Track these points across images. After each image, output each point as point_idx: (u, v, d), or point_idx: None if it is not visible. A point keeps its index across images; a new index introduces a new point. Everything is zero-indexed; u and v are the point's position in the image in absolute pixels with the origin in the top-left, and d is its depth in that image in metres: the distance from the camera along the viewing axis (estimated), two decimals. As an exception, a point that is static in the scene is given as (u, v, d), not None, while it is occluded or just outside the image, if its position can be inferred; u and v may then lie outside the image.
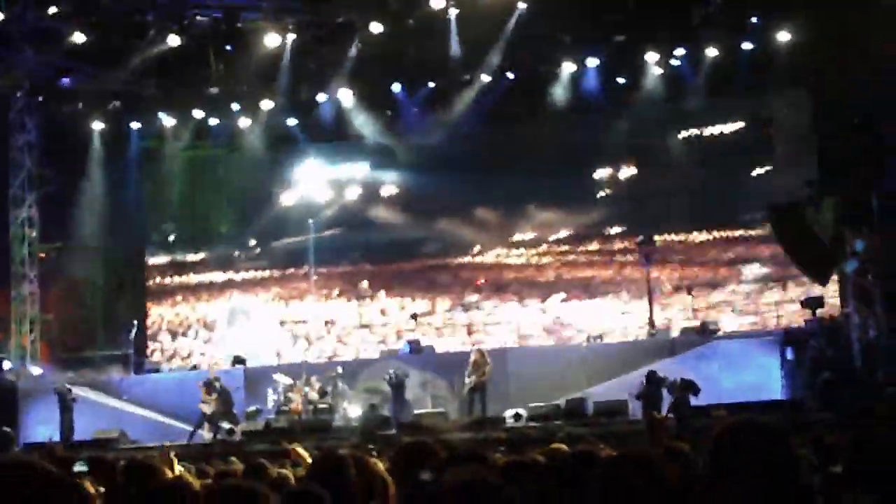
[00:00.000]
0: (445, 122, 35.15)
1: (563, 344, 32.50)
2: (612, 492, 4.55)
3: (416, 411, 28.62)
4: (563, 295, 33.79)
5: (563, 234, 34.26)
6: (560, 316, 33.69)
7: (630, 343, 31.41)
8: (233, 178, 38.20)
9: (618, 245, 33.84)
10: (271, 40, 32.44)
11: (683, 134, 33.67)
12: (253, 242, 37.23)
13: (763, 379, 27.52)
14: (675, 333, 30.77)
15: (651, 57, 33.03)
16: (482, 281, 34.84)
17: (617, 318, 32.94)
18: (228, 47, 33.05)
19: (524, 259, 34.60)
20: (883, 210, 27.11)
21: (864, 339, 27.05)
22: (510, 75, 34.27)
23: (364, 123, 35.48)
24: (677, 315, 32.76)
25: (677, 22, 31.73)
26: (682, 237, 33.38)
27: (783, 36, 31.20)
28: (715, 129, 33.14)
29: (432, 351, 32.48)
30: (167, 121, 36.11)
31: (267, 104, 35.29)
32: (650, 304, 31.56)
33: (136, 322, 34.14)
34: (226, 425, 28.99)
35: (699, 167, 33.23)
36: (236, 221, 38.05)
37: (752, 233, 32.80)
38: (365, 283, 35.82)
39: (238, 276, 37.19)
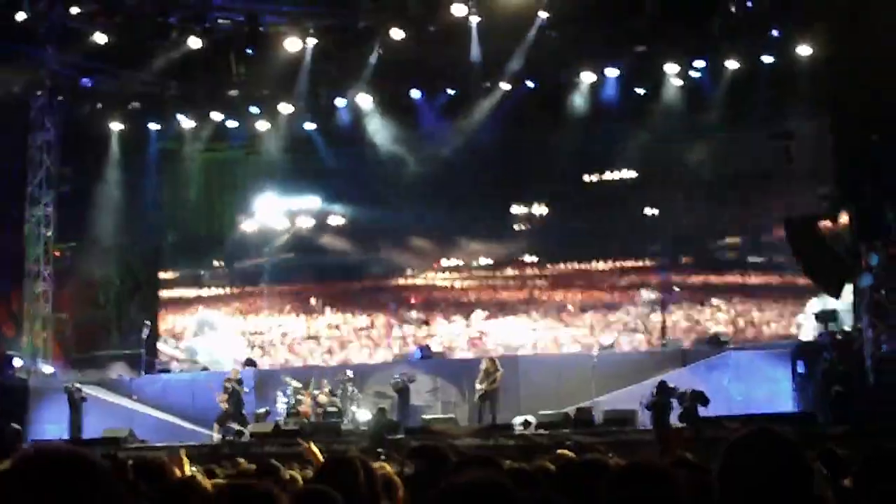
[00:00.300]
0: (463, 129, 35.22)
1: (574, 353, 33.18)
2: (621, 502, 4.54)
3: (425, 416, 28.69)
4: (483, 313, 36.73)
5: (484, 261, 37.59)
6: (481, 331, 36.56)
7: (641, 353, 31.76)
8: (250, 180, 38.40)
9: (529, 272, 37.28)
10: (292, 44, 32.50)
11: (588, 178, 36.27)
12: (217, 263, 39.33)
13: (774, 391, 27.48)
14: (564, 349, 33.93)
15: (671, 68, 32.97)
16: (414, 300, 38.03)
17: (527, 334, 35.95)
18: (249, 50, 33.05)
19: (451, 282, 38.14)
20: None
21: (878, 353, 26.97)
22: (530, 84, 34.33)
23: (379, 129, 35.55)
24: (579, 332, 35.55)
25: (698, 33, 31.70)
26: (584, 266, 36.76)
27: (804, 50, 31.10)
28: (614, 175, 36.03)
29: (443, 357, 32.95)
30: (186, 123, 36.17)
31: (286, 108, 35.34)
32: (663, 318, 31.84)
33: (148, 322, 34.27)
34: (235, 426, 29.10)
35: (602, 206, 35.77)
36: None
37: (644, 263, 35.84)
38: (313, 300, 38.50)
39: (204, 293, 39.28)
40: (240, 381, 30.29)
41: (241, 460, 14.68)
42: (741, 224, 34.70)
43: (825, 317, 29.01)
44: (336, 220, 38.12)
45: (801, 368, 27.40)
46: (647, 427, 24.83)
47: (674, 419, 24.06)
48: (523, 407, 28.27)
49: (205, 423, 30.18)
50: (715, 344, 30.04)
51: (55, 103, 34.74)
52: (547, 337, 35.61)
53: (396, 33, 31.87)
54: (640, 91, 33.84)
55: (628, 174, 35.67)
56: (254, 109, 35.72)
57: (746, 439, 4.31)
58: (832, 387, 25.71)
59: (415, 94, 35.13)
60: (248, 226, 38.55)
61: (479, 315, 36.74)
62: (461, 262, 37.62)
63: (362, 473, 6.44)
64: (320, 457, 9.46)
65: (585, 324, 35.79)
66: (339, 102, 35.41)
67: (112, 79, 34.44)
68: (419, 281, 38.06)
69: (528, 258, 37.02)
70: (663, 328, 32.12)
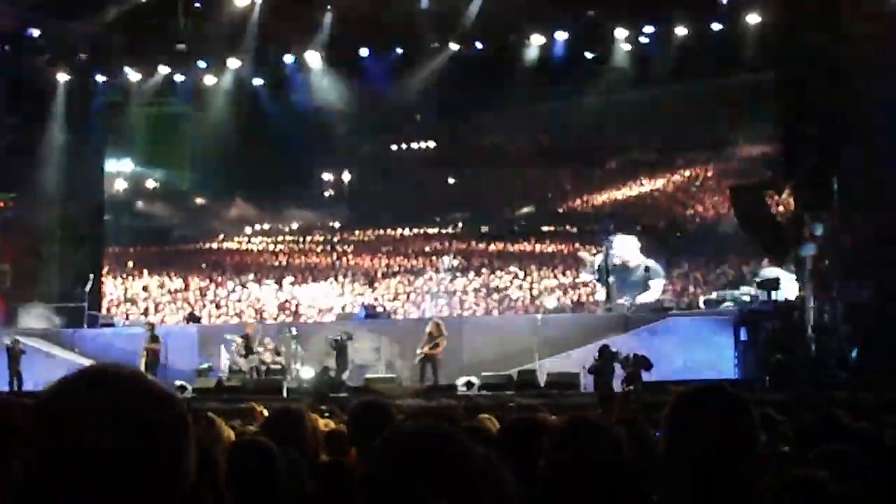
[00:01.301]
0: (409, 88, 35.23)
1: (518, 315, 33.47)
2: (560, 457, 4.53)
3: (368, 376, 28.67)
4: (292, 278, 37.75)
5: (295, 225, 39.39)
6: (291, 295, 37.14)
7: (584, 317, 31.79)
8: (196, 135, 38.23)
9: (337, 237, 39.10)
10: (240, -1, 32.31)
11: (395, 147, 38.26)
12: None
13: (716, 358, 27.49)
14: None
15: (620, 33, 32.95)
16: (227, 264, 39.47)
17: (335, 299, 36.58)
18: (198, 4, 32.83)
19: (262, 246, 39.73)
20: (842, 194, 27.16)
21: (819, 322, 27.15)
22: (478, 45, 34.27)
23: (328, 87, 35.44)
24: (383, 297, 36.67)
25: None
26: (389, 232, 38.63)
27: (752, 18, 31.17)
28: (421, 144, 38.20)
29: (387, 317, 32.93)
30: (132, 75, 35.88)
31: (234, 63, 35.11)
32: (607, 278, 31.87)
33: (91, 275, 34.04)
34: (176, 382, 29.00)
35: (405, 175, 37.78)
36: (196, 179, 38.86)
37: (446, 230, 37.90)
38: (130, 263, 39.48)
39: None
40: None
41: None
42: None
43: (768, 285, 29.12)
44: (151, 184, 38.86)
45: (743, 336, 27.52)
46: (589, 391, 24.93)
47: (616, 384, 24.15)
48: (467, 368, 28.23)
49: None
50: (659, 309, 30.11)
51: (0, 53, 34.32)
52: (355, 302, 36.17)
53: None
54: (589, 55, 33.91)
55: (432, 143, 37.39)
56: (201, 64, 35.46)
57: (692, 393, 4.28)
58: (773, 355, 25.89)
59: (363, 52, 34.94)
60: None
61: (288, 280, 37.40)
62: (272, 227, 39.02)
63: (310, 424, 6.43)
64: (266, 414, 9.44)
65: (390, 288, 36.97)
66: (288, 59, 35.22)
67: (59, 30, 34.08)
68: (231, 245, 39.19)
69: (335, 224, 38.44)
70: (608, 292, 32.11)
